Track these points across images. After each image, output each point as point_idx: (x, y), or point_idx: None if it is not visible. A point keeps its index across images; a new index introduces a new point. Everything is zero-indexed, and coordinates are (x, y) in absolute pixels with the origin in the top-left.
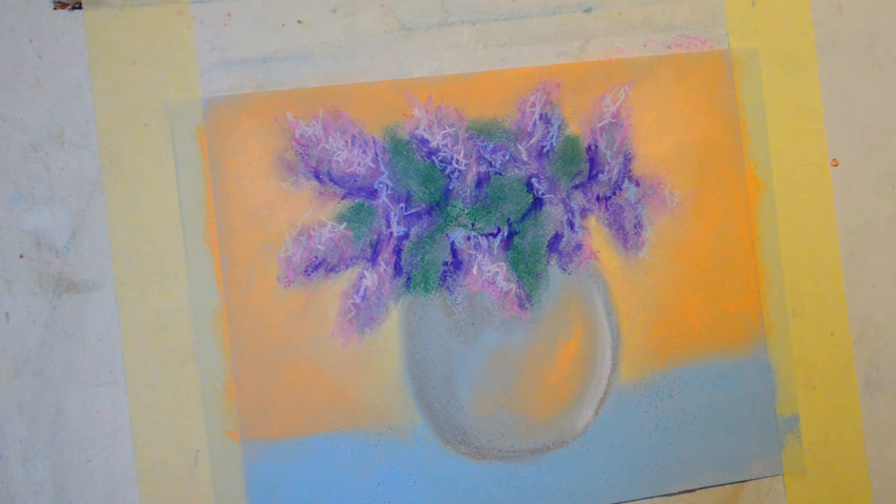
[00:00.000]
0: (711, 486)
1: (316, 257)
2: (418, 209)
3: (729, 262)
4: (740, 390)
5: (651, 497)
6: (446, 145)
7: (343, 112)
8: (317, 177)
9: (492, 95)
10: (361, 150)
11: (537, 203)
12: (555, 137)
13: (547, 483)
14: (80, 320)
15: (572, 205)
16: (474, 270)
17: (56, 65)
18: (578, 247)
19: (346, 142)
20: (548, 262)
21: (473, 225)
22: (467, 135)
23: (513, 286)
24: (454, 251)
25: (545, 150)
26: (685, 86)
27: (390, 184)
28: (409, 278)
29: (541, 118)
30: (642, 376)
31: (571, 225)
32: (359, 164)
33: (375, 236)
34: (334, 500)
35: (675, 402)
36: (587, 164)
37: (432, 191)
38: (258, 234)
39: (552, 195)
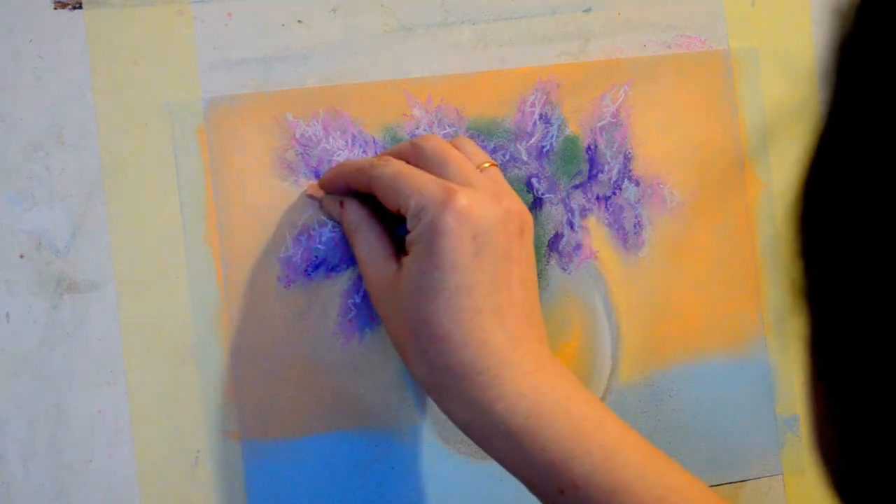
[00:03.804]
0: (711, 486)
1: (316, 257)
2: None
3: (729, 262)
4: (740, 390)
5: None
6: None
7: (343, 112)
8: (317, 177)
9: (492, 95)
10: (361, 150)
11: (537, 203)
12: (555, 137)
13: None
14: (80, 320)
15: (572, 205)
16: None
17: (56, 65)
18: (578, 246)
19: (346, 142)
20: (548, 261)
21: None
22: (467, 135)
23: None
24: None
25: (545, 150)
26: (685, 86)
27: None
28: None
29: (541, 118)
30: (642, 376)
31: (571, 225)
32: None
33: None
34: (334, 500)
35: (675, 402)
36: (587, 164)
37: None
38: (258, 234)
39: (552, 195)
